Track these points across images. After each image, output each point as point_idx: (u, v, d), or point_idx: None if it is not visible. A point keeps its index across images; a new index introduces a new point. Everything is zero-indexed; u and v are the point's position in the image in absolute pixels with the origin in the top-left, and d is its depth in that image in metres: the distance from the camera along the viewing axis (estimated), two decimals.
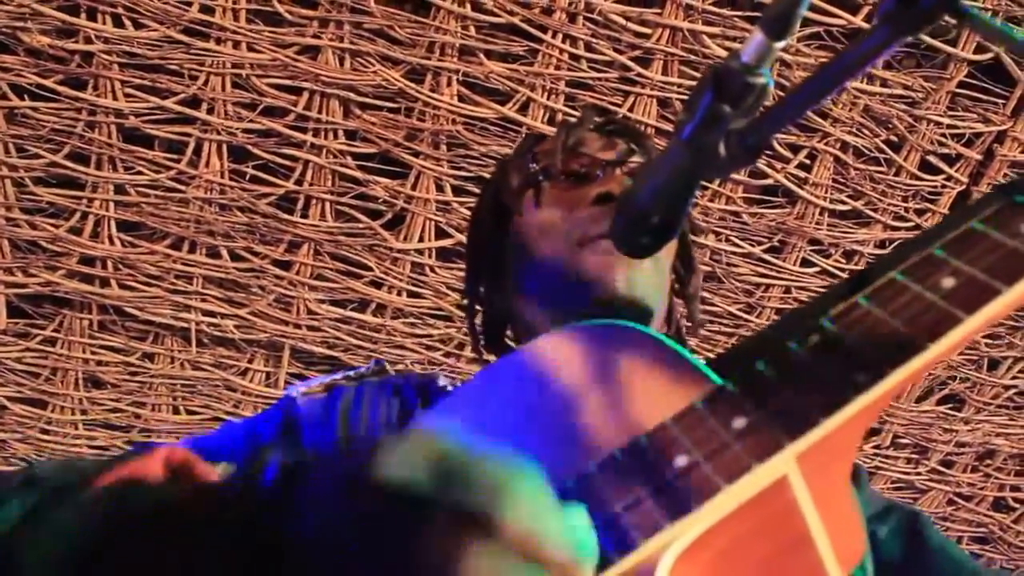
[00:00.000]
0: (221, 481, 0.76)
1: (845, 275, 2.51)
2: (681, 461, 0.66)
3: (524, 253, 1.13)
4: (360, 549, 0.51)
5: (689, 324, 1.24)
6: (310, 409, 1.09)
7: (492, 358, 1.30)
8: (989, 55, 2.31)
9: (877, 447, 2.94)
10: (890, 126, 2.34)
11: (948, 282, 0.69)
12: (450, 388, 1.11)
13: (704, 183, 2.08)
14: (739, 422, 0.67)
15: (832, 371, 0.68)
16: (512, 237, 1.16)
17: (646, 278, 1.05)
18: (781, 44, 0.81)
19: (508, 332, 1.28)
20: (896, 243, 2.36)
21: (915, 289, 0.70)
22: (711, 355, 2.41)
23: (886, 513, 1.06)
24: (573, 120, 1.24)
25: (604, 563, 0.62)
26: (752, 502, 0.65)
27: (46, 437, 2.65)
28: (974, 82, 2.36)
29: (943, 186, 2.46)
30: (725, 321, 2.55)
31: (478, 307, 1.30)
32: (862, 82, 2.30)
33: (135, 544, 0.63)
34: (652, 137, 1.23)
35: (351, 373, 1.15)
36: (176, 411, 2.65)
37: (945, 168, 2.47)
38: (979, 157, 2.45)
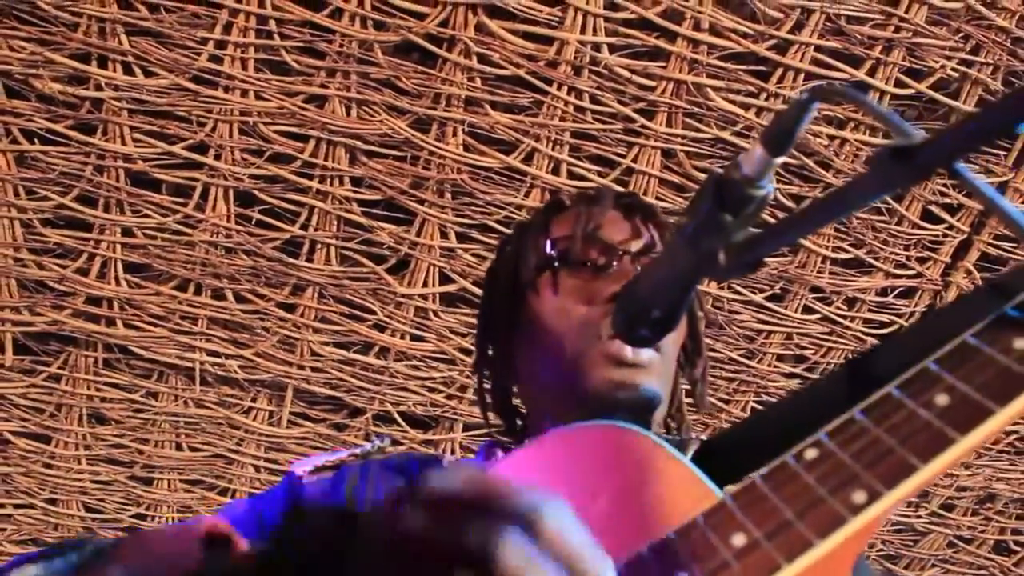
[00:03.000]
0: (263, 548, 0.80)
1: (847, 322, 2.53)
2: None
3: (538, 334, 1.16)
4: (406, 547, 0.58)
5: (693, 407, 1.26)
6: (315, 491, 1.10)
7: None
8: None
9: None
10: None
11: (942, 399, 0.70)
12: None
13: None
14: (738, 539, 0.69)
15: (829, 490, 0.69)
16: (527, 312, 1.19)
17: (651, 373, 1.08)
18: (780, 160, 0.83)
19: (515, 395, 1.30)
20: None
21: (910, 406, 0.71)
22: (714, 399, 2.42)
23: None
24: (592, 194, 1.26)
25: None
26: None
27: (49, 472, 2.67)
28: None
29: (944, 235, 2.48)
30: (726, 367, 2.57)
31: (486, 371, 1.32)
32: (864, 133, 2.32)
33: None
34: (669, 224, 1.24)
35: (356, 451, 1.17)
36: (179, 447, 2.66)
37: (947, 217, 2.49)
38: (980, 207, 2.46)
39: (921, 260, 2.52)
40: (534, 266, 1.19)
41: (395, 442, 1.20)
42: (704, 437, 1.13)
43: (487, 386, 1.31)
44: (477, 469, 0.60)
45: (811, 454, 0.72)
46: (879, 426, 0.71)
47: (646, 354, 1.08)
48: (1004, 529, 3.16)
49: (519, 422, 1.28)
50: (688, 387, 1.25)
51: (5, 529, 2.79)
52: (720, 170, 0.86)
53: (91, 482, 2.71)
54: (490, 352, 1.29)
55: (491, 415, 1.32)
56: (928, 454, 0.68)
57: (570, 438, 0.87)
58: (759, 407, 2.60)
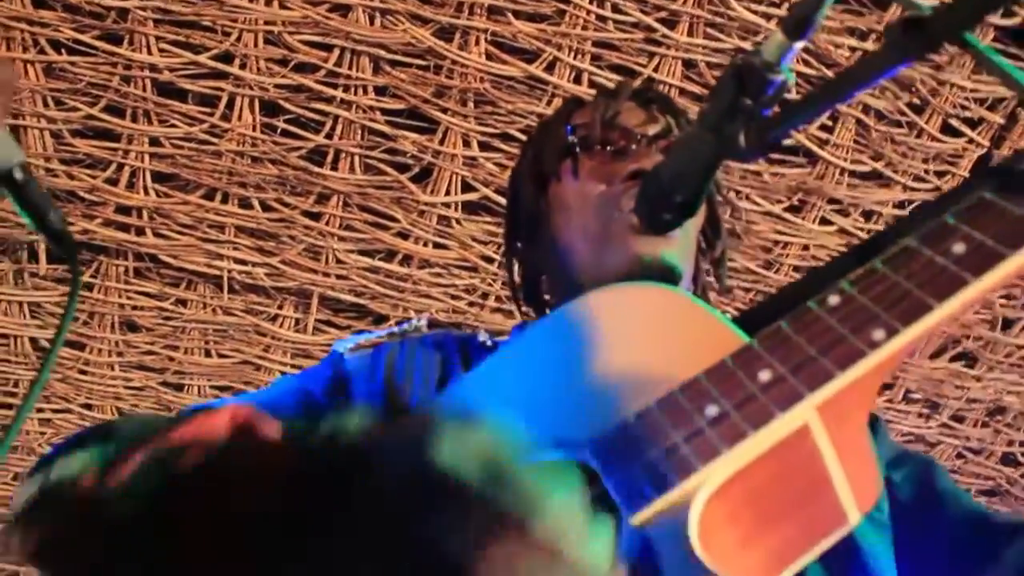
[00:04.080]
0: (282, 440, 0.83)
1: (864, 235, 2.55)
2: (712, 411, 0.74)
3: (562, 219, 1.21)
4: (406, 519, 0.59)
5: (716, 286, 1.30)
6: (358, 365, 1.16)
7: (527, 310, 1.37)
8: (1016, 19, 2.32)
9: (889, 401, 3.00)
10: (913, 89, 2.36)
11: (959, 248, 0.75)
12: (490, 344, 1.18)
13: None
14: (764, 375, 0.74)
15: (850, 329, 0.74)
16: (550, 200, 1.24)
17: (673, 247, 1.13)
18: (800, 44, 0.86)
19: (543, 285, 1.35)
20: (913, 206, 2.40)
21: (927, 254, 0.76)
22: (731, 309, 2.46)
23: (901, 460, 1.14)
24: (610, 89, 1.29)
25: (644, 502, 0.70)
26: (776, 447, 0.72)
27: (84, 378, 2.75)
28: (999, 46, 2.36)
29: (964, 149, 2.48)
30: (744, 277, 2.60)
31: (515, 262, 1.37)
32: None
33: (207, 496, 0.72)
34: (685, 111, 1.28)
35: (395, 330, 1.23)
36: (208, 354, 2.74)
37: (967, 131, 2.49)
38: (1002, 121, 2.46)
39: (939, 174, 2.52)
40: (556, 154, 1.24)
41: (432, 323, 1.25)
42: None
43: (516, 278, 1.36)
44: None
45: (833, 300, 0.77)
46: (898, 273, 0.76)
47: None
48: (1012, 441, 3.22)
49: (548, 311, 1.33)
50: (709, 268, 1.30)
51: (45, 432, 2.90)
52: (740, 57, 0.89)
53: (124, 388, 2.80)
54: (518, 244, 1.33)
55: (522, 307, 1.38)
56: (944, 295, 0.73)
57: (606, 298, 0.92)
58: None
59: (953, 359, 2.94)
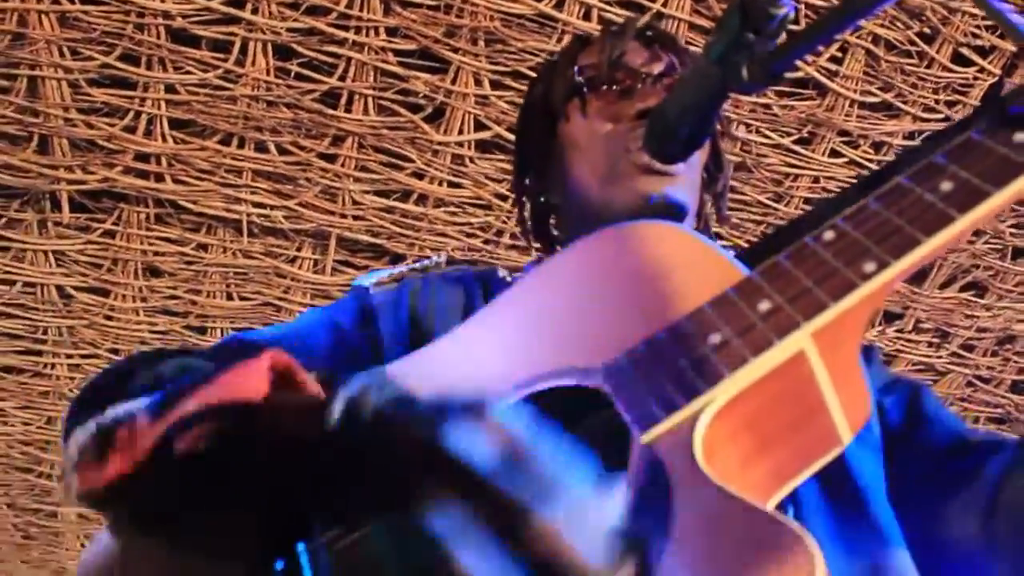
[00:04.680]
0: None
1: (874, 166, 2.57)
2: (715, 338, 0.79)
3: (570, 157, 1.25)
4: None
5: (717, 218, 1.34)
6: (383, 299, 1.21)
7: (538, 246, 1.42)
8: None
9: (900, 331, 3.05)
10: (923, 18, 2.36)
11: (946, 186, 0.80)
12: (509, 279, 1.23)
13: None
14: (764, 305, 0.80)
15: (844, 262, 0.79)
16: (559, 138, 1.27)
17: (678, 184, 1.17)
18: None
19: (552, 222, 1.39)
20: (923, 136, 2.41)
21: (917, 191, 0.81)
22: (741, 242, 2.50)
23: (892, 386, 1.19)
24: (616, 28, 1.32)
25: (653, 422, 0.76)
26: (775, 371, 0.77)
27: (110, 324, 2.83)
28: None
29: (975, 78, 2.48)
30: (754, 209, 2.63)
31: (525, 199, 1.41)
32: None
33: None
34: (687, 49, 1.31)
35: (417, 265, 1.27)
36: (230, 297, 2.80)
37: (978, 60, 2.48)
38: (1014, 49, 2.45)
39: (950, 104, 2.52)
40: (563, 94, 1.27)
41: (451, 260, 1.30)
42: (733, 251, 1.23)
43: (527, 214, 1.40)
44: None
45: (828, 235, 0.82)
46: (889, 209, 0.81)
47: (673, 166, 1.16)
48: (1022, 369, 3.27)
49: (558, 247, 1.37)
50: (710, 200, 1.33)
51: (74, 378, 2.98)
52: None
53: (149, 332, 2.87)
54: (527, 182, 1.37)
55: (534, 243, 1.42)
56: (931, 230, 0.78)
57: (614, 235, 0.97)
58: None
59: (963, 289, 2.97)
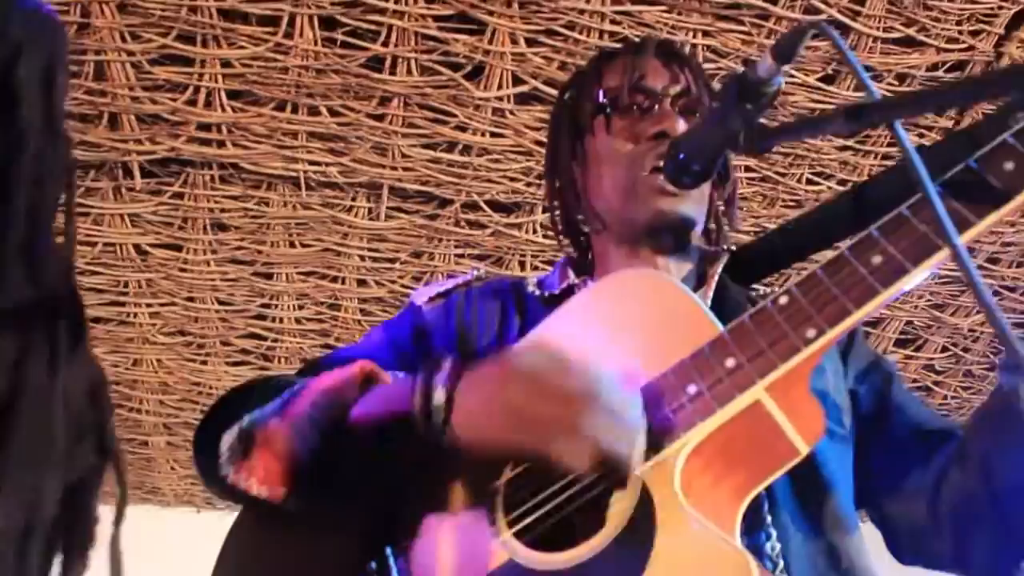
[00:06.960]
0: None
1: None
2: (692, 389, 1.04)
3: (596, 170, 1.45)
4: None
5: (728, 223, 1.52)
6: (434, 316, 1.44)
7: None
8: None
9: None
10: None
11: (877, 259, 1.00)
12: (536, 293, 1.43)
13: None
14: (730, 362, 1.03)
15: (792, 327, 1.02)
16: (586, 151, 1.47)
17: (689, 202, 1.37)
18: (787, 67, 1.10)
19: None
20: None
21: (854, 264, 1.01)
22: (771, 173, 2.63)
23: (868, 372, 1.38)
24: (636, 47, 1.48)
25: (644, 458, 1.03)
26: (737, 416, 1.01)
27: (184, 274, 3.07)
28: None
29: (1000, 6, 2.46)
30: (784, 146, 2.75)
31: (556, 202, 1.56)
32: None
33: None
34: (701, 66, 1.49)
35: (460, 281, 1.48)
36: (292, 245, 3.02)
37: None
38: None
39: (974, 33, 2.52)
40: (589, 111, 1.46)
41: (478, 278, 1.53)
42: (734, 247, 1.47)
43: (557, 215, 1.56)
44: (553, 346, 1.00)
45: (783, 300, 1.05)
46: (831, 279, 1.02)
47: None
48: None
49: (583, 240, 1.55)
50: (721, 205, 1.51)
51: (156, 324, 3.25)
52: (740, 71, 1.13)
53: (221, 280, 3.11)
54: (557, 185, 1.54)
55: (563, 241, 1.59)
56: (861, 302, 0.99)
57: (614, 287, 1.23)
58: (814, 178, 2.81)
59: None
